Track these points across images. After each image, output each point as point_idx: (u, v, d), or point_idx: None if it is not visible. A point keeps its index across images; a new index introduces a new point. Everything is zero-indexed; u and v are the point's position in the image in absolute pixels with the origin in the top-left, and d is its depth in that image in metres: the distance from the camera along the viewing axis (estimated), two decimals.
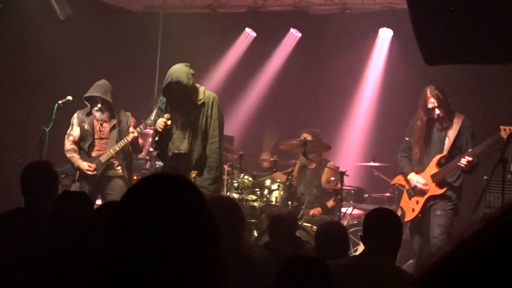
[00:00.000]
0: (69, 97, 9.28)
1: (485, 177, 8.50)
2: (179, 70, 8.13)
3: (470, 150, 8.38)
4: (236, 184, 9.71)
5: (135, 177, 10.80)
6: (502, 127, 8.00)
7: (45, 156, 9.00)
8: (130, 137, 9.17)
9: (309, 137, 10.65)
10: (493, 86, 11.65)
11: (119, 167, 9.35)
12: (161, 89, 8.29)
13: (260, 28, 13.59)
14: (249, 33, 13.84)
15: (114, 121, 9.37)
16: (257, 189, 9.77)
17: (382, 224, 5.00)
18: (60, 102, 9.25)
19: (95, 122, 9.36)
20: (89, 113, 9.35)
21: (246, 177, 9.79)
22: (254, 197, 9.69)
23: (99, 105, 9.27)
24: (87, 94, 9.30)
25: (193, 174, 8.23)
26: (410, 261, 9.63)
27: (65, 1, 10.58)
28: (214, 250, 2.14)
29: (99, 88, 9.34)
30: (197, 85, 8.31)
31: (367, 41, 12.93)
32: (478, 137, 8.57)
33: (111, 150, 9.21)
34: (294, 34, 13.57)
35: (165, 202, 2.11)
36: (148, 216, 2.08)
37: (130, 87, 12.32)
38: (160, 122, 8.19)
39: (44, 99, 10.04)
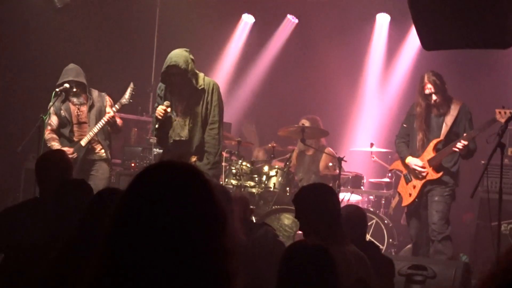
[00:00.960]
0: (67, 85, 9.22)
1: (483, 162, 8.51)
2: (178, 54, 8.13)
3: (465, 134, 8.40)
4: (234, 171, 9.71)
5: (132, 164, 10.81)
6: (497, 111, 8.02)
7: (43, 144, 9.00)
8: (106, 118, 9.13)
9: (307, 124, 10.68)
10: (490, 71, 11.67)
11: (103, 150, 9.34)
12: (161, 73, 8.27)
13: (258, 13, 13.56)
14: (246, 19, 13.81)
15: (90, 102, 9.36)
16: (255, 176, 9.77)
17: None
18: (57, 89, 9.22)
19: (72, 107, 9.30)
20: (64, 100, 9.30)
21: (244, 163, 9.79)
22: (252, 184, 9.71)
23: (74, 90, 9.25)
24: (59, 82, 9.27)
25: (193, 159, 8.24)
26: (409, 245, 9.67)
27: None
28: (222, 237, 2.14)
29: (70, 72, 9.28)
30: (197, 71, 8.31)
31: (365, 27, 12.92)
32: (475, 122, 8.60)
33: (91, 133, 9.18)
34: (291, 20, 13.55)
35: (174, 189, 2.10)
36: (157, 204, 2.06)
37: (128, 73, 12.27)
38: (160, 109, 8.18)
39: (42, 87, 10.02)
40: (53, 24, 11.33)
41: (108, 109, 9.33)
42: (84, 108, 9.32)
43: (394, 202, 9.58)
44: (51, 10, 10.69)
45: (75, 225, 3.87)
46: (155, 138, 8.85)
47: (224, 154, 10.05)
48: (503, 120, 7.78)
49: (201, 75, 8.30)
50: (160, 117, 8.19)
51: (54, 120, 9.30)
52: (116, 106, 9.28)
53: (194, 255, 2.05)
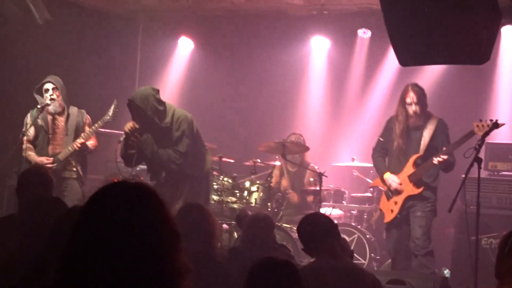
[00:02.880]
0: (48, 101, 9.26)
1: (463, 176, 8.58)
2: (140, 91, 8.41)
3: (444, 148, 8.46)
4: (216, 186, 9.73)
5: (115, 180, 10.78)
6: (475, 124, 8.11)
7: (24, 160, 9.01)
8: (76, 145, 9.18)
9: (293, 138, 10.77)
10: (468, 85, 11.73)
11: (75, 168, 9.36)
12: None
13: (239, 31, 13.55)
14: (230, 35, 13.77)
15: (65, 114, 9.38)
16: (237, 191, 9.81)
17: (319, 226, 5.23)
18: (38, 106, 9.25)
19: (49, 117, 9.35)
20: (41, 110, 9.32)
21: (226, 179, 9.82)
22: (233, 199, 9.74)
23: (50, 92, 9.27)
24: (39, 85, 9.34)
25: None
26: (389, 261, 9.69)
27: (43, 6, 10.57)
28: (176, 254, 2.18)
29: (50, 77, 9.40)
30: (166, 107, 8.41)
31: (346, 42, 12.95)
32: (453, 136, 8.66)
33: (69, 148, 9.21)
34: (273, 36, 13.52)
35: (128, 207, 2.14)
36: (111, 222, 2.11)
37: (111, 89, 12.29)
38: (128, 124, 8.28)
39: (24, 105, 10.01)
40: (36, 40, 11.31)
41: (87, 128, 9.38)
42: (61, 119, 9.35)
43: (374, 219, 9.63)
44: (33, 26, 10.67)
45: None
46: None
47: None
48: (480, 133, 7.86)
49: (169, 111, 8.40)
50: (127, 131, 8.26)
51: (30, 130, 9.32)
52: (99, 122, 9.31)
53: (146, 272, 2.09)
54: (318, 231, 5.15)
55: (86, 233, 2.12)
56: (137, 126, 8.26)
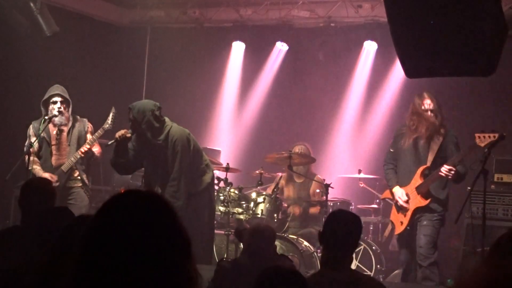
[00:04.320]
0: (56, 113, 9.28)
1: (469, 188, 8.58)
2: (140, 103, 8.52)
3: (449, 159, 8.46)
4: (222, 197, 9.73)
5: (122, 191, 10.81)
6: (477, 135, 8.09)
7: (31, 173, 9.03)
8: (82, 151, 9.19)
9: (299, 149, 10.75)
10: (472, 95, 11.73)
11: (79, 177, 9.37)
12: None
13: (247, 42, 13.59)
14: (237, 46, 13.77)
15: (69, 125, 9.40)
16: (243, 202, 9.80)
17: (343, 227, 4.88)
18: (46, 117, 9.27)
19: (52, 128, 9.35)
20: (49, 121, 9.32)
21: (232, 190, 9.81)
22: (240, 210, 9.73)
23: (58, 105, 9.29)
24: (46, 96, 9.34)
25: None
26: (396, 271, 9.70)
27: (51, 17, 10.62)
28: (188, 262, 2.19)
29: (56, 88, 9.39)
30: (164, 124, 8.45)
31: (352, 54, 12.96)
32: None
33: (72, 159, 9.20)
34: (280, 48, 13.54)
35: (140, 217, 2.14)
36: (123, 231, 2.11)
37: (117, 102, 12.33)
38: (120, 131, 8.35)
39: (32, 115, 10.06)
40: (43, 52, 11.35)
41: (89, 135, 9.39)
42: (65, 129, 9.35)
43: (387, 231, 9.61)
44: (41, 38, 10.70)
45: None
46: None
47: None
48: (482, 145, 7.87)
49: (165, 129, 8.41)
50: (117, 137, 8.32)
51: (35, 142, 9.32)
52: (99, 131, 9.31)
53: (161, 281, 2.09)
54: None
55: (98, 244, 2.12)
56: (128, 135, 8.33)
